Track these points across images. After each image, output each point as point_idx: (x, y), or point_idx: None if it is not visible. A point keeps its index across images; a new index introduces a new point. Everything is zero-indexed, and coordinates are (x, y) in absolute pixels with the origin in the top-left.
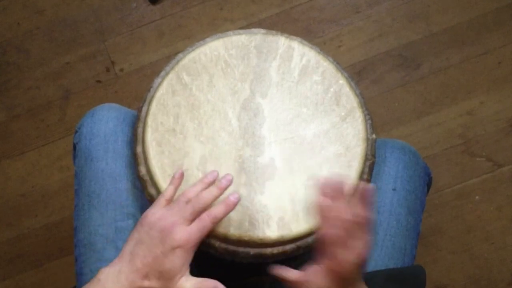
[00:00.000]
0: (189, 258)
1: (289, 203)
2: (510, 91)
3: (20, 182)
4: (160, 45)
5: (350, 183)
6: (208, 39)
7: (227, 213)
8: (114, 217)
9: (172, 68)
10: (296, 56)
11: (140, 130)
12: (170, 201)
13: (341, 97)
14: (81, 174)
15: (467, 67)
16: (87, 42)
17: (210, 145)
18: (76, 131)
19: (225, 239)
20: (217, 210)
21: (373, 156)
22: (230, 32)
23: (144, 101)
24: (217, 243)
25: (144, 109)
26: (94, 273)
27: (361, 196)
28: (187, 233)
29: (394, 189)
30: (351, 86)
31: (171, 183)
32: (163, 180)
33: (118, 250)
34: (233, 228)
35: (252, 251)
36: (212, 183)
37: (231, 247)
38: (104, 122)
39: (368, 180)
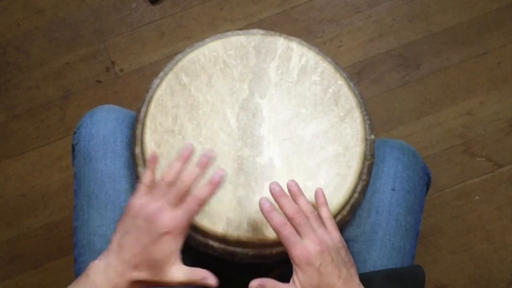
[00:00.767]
0: (178, 245)
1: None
2: (510, 91)
3: (20, 182)
4: (160, 45)
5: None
6: (207, 40)
7: (212, 193)
8: (113, 218)
9: (171, 68)
10: (295, 57)
11: (139, 131)
12: (151, 186)
13: (340, 98)
14: (80, 174)
15: (467, 67)
16: (87, 42)
17: (209, 145)
18: (75, 132)
19: (224, 239)
20: (202, 191)
21: (372, 156)
22: (229, 33)
23: (143, 102)
24: (216, 244)
25: (143, 110)
26: None
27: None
28: (174, 219)
29: (393, 189)
30: (350, 87)
31: (147, 167)
32: None
33: None
34: (232, 228)
35: (251, 251)
36: (188, 158)
37: (230, 248)
38: (103, 123)
39: (367, 180)
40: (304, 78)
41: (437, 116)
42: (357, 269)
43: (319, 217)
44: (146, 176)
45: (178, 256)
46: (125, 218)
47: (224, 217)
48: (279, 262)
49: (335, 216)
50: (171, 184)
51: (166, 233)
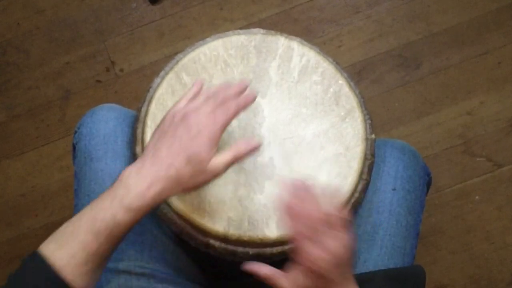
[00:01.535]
0: (216, 141)
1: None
2: (510, 91)
3: (20, 182)
4: (160, 45)
5: (319, 185)
6: (207, 39)
7: (247, 104)
8: None
9: (172, 68)
10: (296, 56)
11: (139, 130)
12: (192, 98)
13: (340, 97)
14: (80, 174)
15: (467, 67)
16: (87, 42)
17: None
18: (76, 131)
19: (225, 239)
20: (240, 99)
21: (373, 156)
22: (230, 32)
23: (144, 101)
24: (216, 243)
25: (143, 109)
26: None
27: (330, 197)
28: (212, 115)
29: (393, 189)
30: (350, 86)
31: (193, 86)
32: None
33: (117, 250)
34: (232, 228)
35: (252, 251)
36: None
37: (231, 247)
38: (104, 123)
39: (368, 180)
40: (305, 78)
41: (437, 116)
42: (358, 269)
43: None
44: (191, 90)
45: (215, 152)
46: (162, 123)
47: (225, 217)
48: (279, 262)
49: None
50: (212, 93)
51: (204, 128)
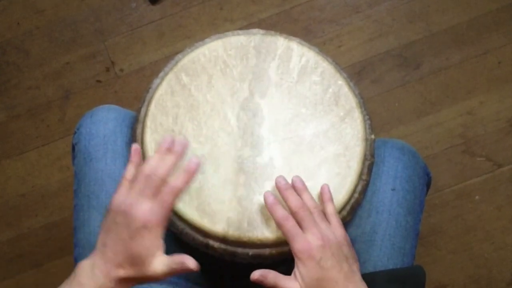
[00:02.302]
0: (157, 237)
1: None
2: (510, 91)
3: (20, 182)
4: (160, 45)
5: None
6: (207, 40)
7: (188, 181)
8: None
9: (171, 68)
10: (295, 57)
11: (139, 130)
12: (133, 181)
13: (340, 98)
14: (80, 174)
15: (467, 67)
16: (87, 42)
17: (209, 145)
18: (75, 132)
19: (224, 239)
20: (177, 181)
21: (372, 156)
22: (229, 33)
23: (143, 101)
24: (216, 244)
25: (143, 109)
26: None
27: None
28: (149, 212)
29: (393, 189)
30: (350, 87)
31: (129, 162)
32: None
33: None
34: (232, 228)
35: (251, 251)
36: (168, 150)
37: (230, 248)
38: (103, 123)
39: (367, 180)
40: (304, 78)
41: (437, 116)
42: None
43: (323, 213)
44: (128, 171)
45: (160, 248)
46: (107, 215)
47: (224, 217)
48: (279, 262)
49: None
50: (149, 177)
51: (143, 227)
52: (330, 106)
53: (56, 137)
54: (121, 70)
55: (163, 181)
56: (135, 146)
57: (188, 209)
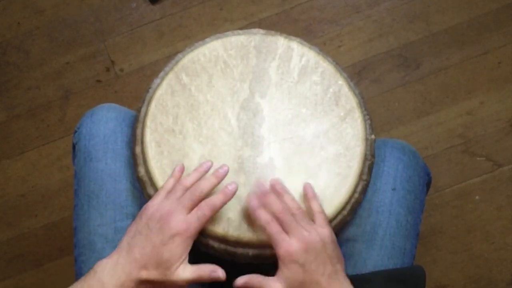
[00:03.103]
0: (188, 247)
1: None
2: (510, 91)
3: (20, 182)
4: (160, 45)
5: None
6: (207, 40)
7: (225, 202)
8: (113, 217)
9: (171, 68)
10: (295, 57)
11: (139, 130)
12: (170, 191)
13: (340, 98)
14: (80, 174)
15: (467, 67)
16: (87, 42)
17: (209, 145)
18: (76, 131)
19: (224, 240)
20: (215, 198)
21: (372, 156)
22: (229, 33)
23: (143, 101)
24: (216, 244)
25: (143, 109)
26: None
27: (276, 190)
28: (186, 222)
29: (393, 189)
30: (350, 87)
31: (171, 175)
32: (162, 180)
33: None
34: (232, 229)
35: (251, 251)
36: (206, 172)
37: (230, 248)
38: (104, 123)
39: (368, 180)
40: (304, 78)
41: (437, 116)
42: (358, 269)
43: (307, 212)
44: (168, 184)
45: (187, 257)
46: (138, 220)
47: (224, 217)
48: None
49: (335, 216)
50: (188, 189)
51: (177, 234)
52: (331, 106)
53: (56, 137)
54: (121, 70)
55: (202, 198)
56: (180, 165)
57: None
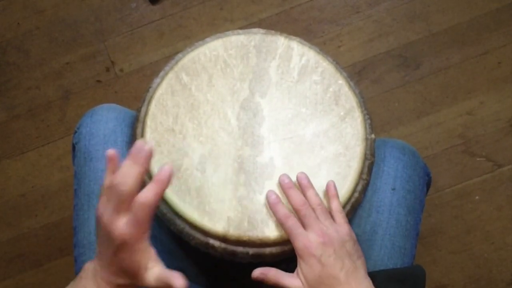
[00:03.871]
0: (141, 252)
1: (288, 203)
2: (510, 91)
3: (20, 182)
4: (160, 45)
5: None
6: (207, 39)
7: (160, 192)
8: None
9: (171, 68)
10: (295, 56)
11: (139, 130)
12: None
13: (340, 97)
14: (80, 174)
15: (467, 67)
16: (87, 42)
17: (209, 145)
18: (76, 131)
19: (224, 239)
20: (144, 194)
21: (372, 155)
22: (230, 32)
23: (143, 101)
24: (216, 243)
25: (143, 109)
26: None
27: (301, 184)
28: (125, 228)
29: (393, 189)
30: (350, 86)
31: (106, 167)
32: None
33: None
34: (232, 228)
35: (251, 251)
36: (136, 158)
37: (230, 247)
38: (104, 122)
39: (368, 180)
40: (304, 78)
41: (437, 116)
42: None
43: (327, 209)
44: (104, 179)
45: (150, 258)
46: (97, 225)
47: (224, 217)
48: (279, 262)
49: None
50: (118, 189)
51: (122, 244)
52: (330, 106)
53: (56, 137)
54: (121, 70)
55: (131, 195)
56: (110, 153)
57: (188, 208)
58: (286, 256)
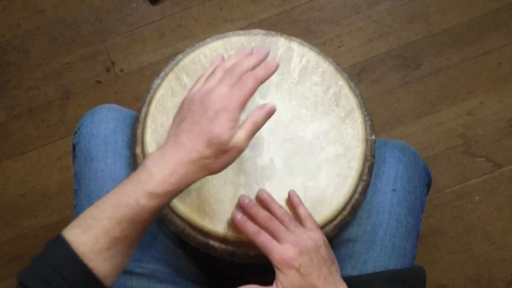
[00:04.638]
0: (235, 120)
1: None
2: (510, 91)
3: (20, 182)
4: (160, 45)
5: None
6: (207, 40)
7: (268, 75)
8: None
9: (172, 69)
10: (296, 57)
11: (139, 131)
12: (209, 77)
13: (340, 98)
14: (80, 174)
15: (467, 67)
16: (87, 42)
17: None
18: (76, 132)
19: (225, 240)
20: (258, 70)
21: (373, 157)
22: (230, 33)
23: (144, 102)
24: (216, 244)
25: (143, 110)
26: None
27: (262, 200)
28: (228, 94)
29: (394, 190)
30: (350, 87)
31: (211, 65)
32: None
33: None
34: (232, 229)
35: (252, 252)
36: (247, 55)
37: (230, 248)
38: (104, 123)
39: (368, 181)
40: (304, 79)
41: (437, 116)
42: (358, 270)
43: (295, 218)
44: (208, 69)
45: (236, 127)
46: (181, 109)
47: (225, 218)
48: None
49: (335, 217)
50: (231, 68)
51: (222, 109)
52: (331, 107)
53: (56, 137)
54: (121, 70)
55: (246, 72)
56: (220, 55)
57: (188, 209)
58: None
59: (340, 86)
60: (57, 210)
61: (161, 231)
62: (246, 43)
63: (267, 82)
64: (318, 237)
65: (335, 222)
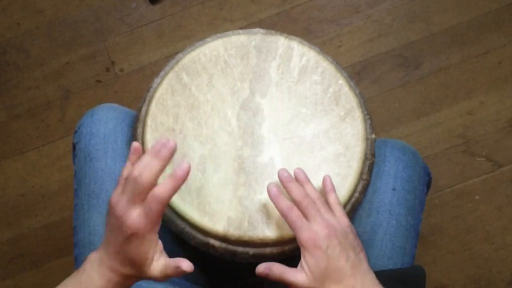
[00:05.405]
0: (151, 242)
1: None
2: (510, 91)
3: (20, 182)
4: (160, 45)
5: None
6: (207, 39)
7: (175, 188)
8: None
9: (172, 68)
10: (296, 56)
11: (139, 130)
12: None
13: (340, 97)
14: (80, 174)
15: (467, 67)
16: (87, 42)
17: (209, 145)
18: (76, 131)
19: (225, 239)
20: (160, 189)
21: (373, 156)
22: (230, 32)
23: (144, 101)
24: (216, 243)
25: (143, 109)
26: None
27: (299, 179)
28: (137, 220)
29: (393, 189)
30: (350, 86)
31: (127, 159)
32: (162, 180)
33: None
34: (232, 228)
35: (252, 251)
36: (159, 153)
37: (231, 247)
38: (104, 122)
39: (368, 180)
40: (304, 78)
41: (437, 116)
42: None
43: (327, 203)
44: (124, 169)
45: (157, 251)
46: (108, 214)
47: (224, 217)
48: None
49: None
50: (135, 181)
51: (133, 235)
52: (331, 106)
53: (56, 137)
54: (121, 70)
55: (149, 188)
56: (135, 145)
57: (188, 208)
58: (286, 256)
59: (340, 85)
60: (57, 210)
61: (161, 230)
62: (246, 42)
63: (266, 81)
64: (347, 224)
65: None
